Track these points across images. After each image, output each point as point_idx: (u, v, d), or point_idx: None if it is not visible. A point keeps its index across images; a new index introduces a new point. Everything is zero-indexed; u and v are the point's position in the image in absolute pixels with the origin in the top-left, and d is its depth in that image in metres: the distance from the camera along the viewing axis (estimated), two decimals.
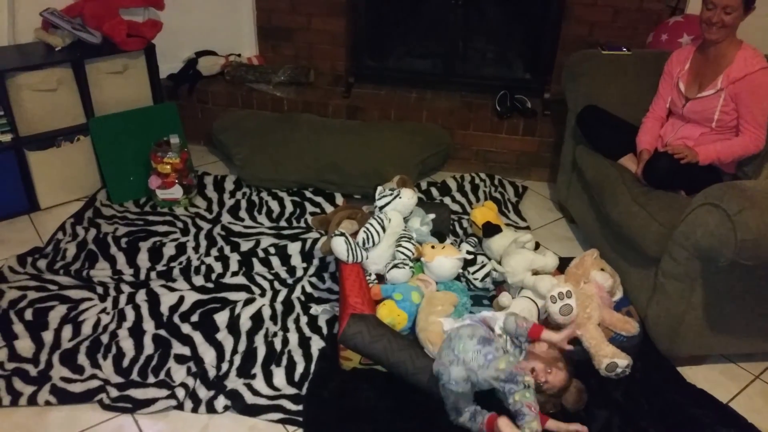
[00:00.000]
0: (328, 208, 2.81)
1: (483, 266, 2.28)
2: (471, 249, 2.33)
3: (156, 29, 2.93)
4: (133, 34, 2.84)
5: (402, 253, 2.18)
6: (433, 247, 2.20)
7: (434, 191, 3.04)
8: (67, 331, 2.09)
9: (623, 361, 1.90)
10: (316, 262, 2.48)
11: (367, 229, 2.14)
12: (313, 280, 2.39)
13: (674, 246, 1.95)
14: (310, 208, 2.85)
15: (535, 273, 2.12)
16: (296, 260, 2.49)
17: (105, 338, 2.07)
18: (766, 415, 1.96)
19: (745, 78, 2.18)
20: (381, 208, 2.25)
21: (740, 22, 2.18)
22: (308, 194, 2.94)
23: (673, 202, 2.14)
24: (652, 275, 2.09)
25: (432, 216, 2.39)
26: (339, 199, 2.91)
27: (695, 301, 1.95)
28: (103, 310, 2.19)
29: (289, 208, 2.84)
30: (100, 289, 2.29)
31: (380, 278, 2.19)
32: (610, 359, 1.89)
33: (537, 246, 2.35)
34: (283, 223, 2.74)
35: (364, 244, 2.14)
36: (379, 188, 2.29)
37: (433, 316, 1.95)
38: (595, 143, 2.55)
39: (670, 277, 1.98)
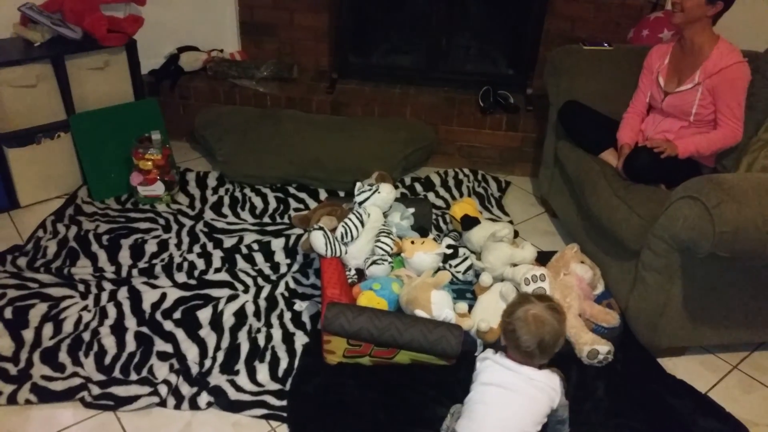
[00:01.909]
0: (312, 204, 2.81)
1: (465, 259, 2.29)
2: (452, 242, 2.34)
3: (137, 25, 2.91)
4: (114, 30, 2.82)
5: (381, 248, 2.19)
6: (413, 242, 2.22)
7: (418, 187, 3.05)
8: (48, 329, 2.07)
9: (604, 347, 1.92)
10: (299, 258, 2.48)
11: (346, 223, 2.15)
12: (297, 276, 2.39)
13: (654, 239, 1.97)
14: (293, 204, 2.84)
15: (514, 266, 2.14)
16: (280, 256, 2.48)
17: (86, 336, 2.06)
18: (743, 404, 1.99)
19: (721, 72, 2.21)
20: (360, 203, 2.25)
21: (711, 15, 2.20)
22: (292, 190, 2.93)
23: (653, 195, 2.17)
24: (632, 268, 2.11)
25: (412, 210, 2.40)
26: (323, 195, 2.91)
27: (675, 293, 1.97)
28: (85, 308, 2.18)
29: (273, 204, 2.83)
30: (81, 287, 2.27)
31: (360, 273, 2.20)
32: (591, 346, 1.92)
33: (516, 234, 2.36)
34: (266, 220, 2.73)
35: (342, 238, 2.15)
36: (358, 184, 2.30)
37: (420, 283, 1.98)
38: (577, 138, 2.57)
39: (650, 270, 2.00)
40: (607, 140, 2.47)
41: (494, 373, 1.59)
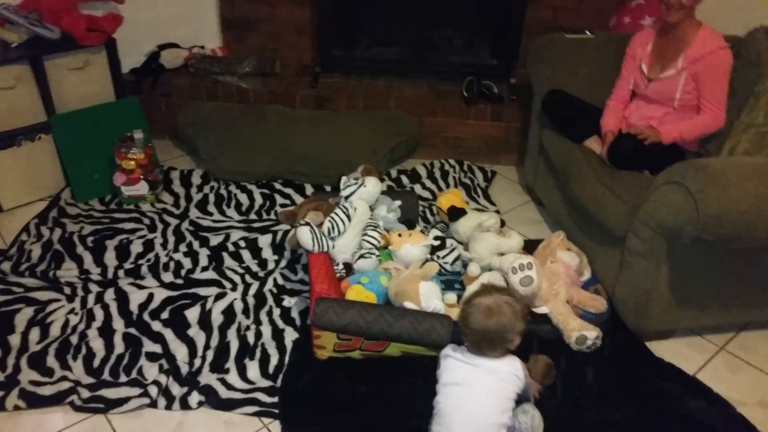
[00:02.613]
0: (298, 200, 2.80)
1: (453, 250, 2.30)
2: (440, 234, 2.34)
3: (116, 23, 2.87)
4: (93, 29, 2.78)
5: (368, 242, 2.19)
6: (400, 235, 2.22)
7: (404, 179, 3.05)
8: (35, 333, 2.06)
9: (592, 332, 1.94)
10: (287, 254, 2.47)
11: (332, 218, 2.15)
12: (285, 272, 2.39)
13: (639, 224, 1.98)
14: (279, 200, 2.83)
15: (502, 255, 2.14)
16: (267, 253, 2.47)
17: (74, 339, 2.04)
18: (731, 384, 2.01)
19: (704, 58, 2.22)
20: (346, 197, 2.25)
21: (699, 4, 2.21)
22: (278, 186, 2.92)
23: (637, 181, 2.18)
24: (618, 254, 2.12)
25: (398, 203, 2.39)
26: (309, 190, 2.90)
27: (661, 278, 1.99)
28: (72, 311, 2.16)
29: (259, 200, 2.82)
30: (67, 290, 2.26)
31: (348, 268, 2.19)
32: (579, 332, 1.93)
33: (503, 224, 2.37)
34: (252, 216, 2.72)
35: (329, 232, 2.14)
36: (344, 178, 2.29)
37: (408, 275, 1.99)
38: (561, 126, 2.57)
39: (636, 255, 2.01)
40: (590, 128, 2.48)
41: (455, 371, 1.61)
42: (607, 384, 1.93)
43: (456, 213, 2.40)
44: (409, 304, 1.96)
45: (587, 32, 2.74)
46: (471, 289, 2.11)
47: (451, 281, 2.27)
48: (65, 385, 1.88)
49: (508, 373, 1.58)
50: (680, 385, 1.96)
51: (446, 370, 1.63)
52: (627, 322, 2.13)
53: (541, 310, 1.99)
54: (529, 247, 2.31)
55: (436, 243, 2.28)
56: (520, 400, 1.66)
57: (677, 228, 1.83)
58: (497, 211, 2.84)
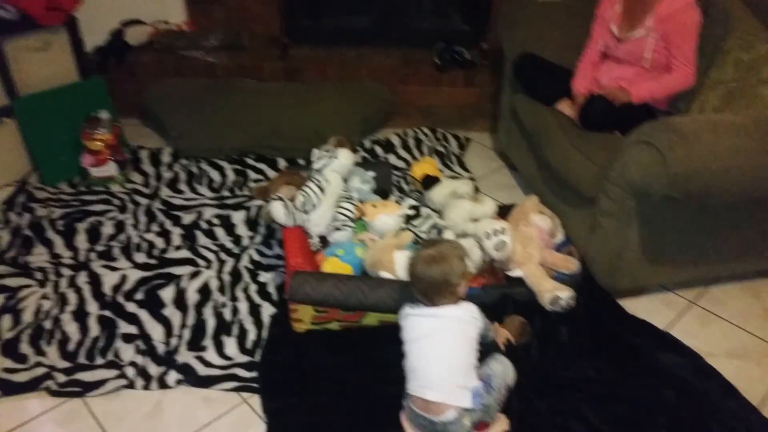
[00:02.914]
0: (271, 175, 2.77)
1: (427, 218, 2.29)
2: (414, 203, 2.34)
3: (76, 1, 2.79)
4: (52, 7, 2.70)
5: (342, 214, 2.18)
6: (374, 205, 2.21)
7: (378, 149, 3.03)
8: (7, 320, 2.04)
9: (565, 292, 1.96)
10: (262, 229, 2.46)
11: (305, 191, 2.13)
12: (260, 247, 2.37)
13: (610, 185, 1.99)
14: (252, 175, 2.80)
15: (476, 221, 2.15)
16: (241, 229, 2.46)
17: (48, 324, 2.02)
18: (702, 338, 2.05)
19: (672, 16, 2.21)
20: (319, 170, 2.23)
21: None
22: (250, 161, 2.88)
23: (608, 142, 2.18)
24: (590, 215, 2.13)
25: (372, 174, 2.38)
26: (282, 165, 2.87)
27: (632, 236, 2.01)
28: (44, 296, 2.14)
29: (231, 176, 2.79)
30: (39, 275, 2.23)
31: (323, 240, 2.19)
32: (552, 293, 1.95)
33: (477, 190, 2.38)
34: (225, 193, 2.69)
35: (303, 206, 2.13)
36: (316, 151, 2.27)
37: (383, 245, 2.00)
38: (532, 90, 2.56)
39: (607, 216, 2.03)
40: (561, 91, 2.47)
41: (417, 325, 1.66)
42: (580, 342, 1.95)
43: (430, 181, 2.39)
44: (385, 274, 1.97)
45: None
46: None
47: None
48: (40, 371, 1.87)
49: (465, 316, 1.65)
50: (652, 340, 1.99)
51: (407, 327, 1.68)
52: (599, 281, 2.15)
53: (516, 273, 2.00)
54: (504, 212, 2.32)
55: (411, 212, 2.28)
56: (489, 349, 1.72)
57: (647, 187, 1.84)
58: (471, 178, 2.84)
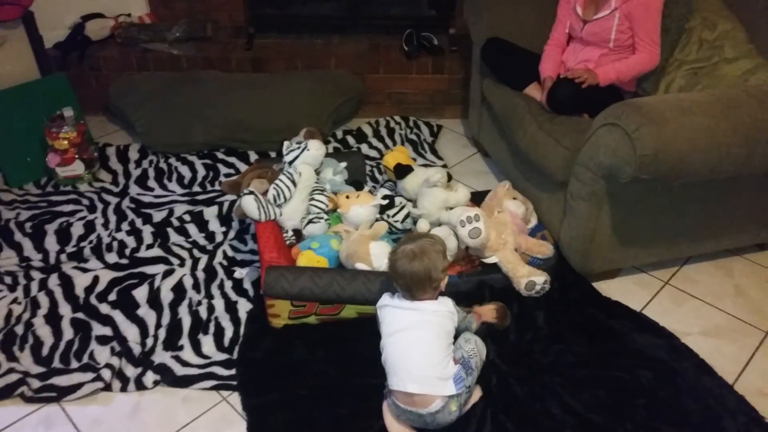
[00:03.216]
0: (243, 168, 2.74)
1: (402, 207, 2.29)
2: (388, 193, 2.33)
3: None
4: (7, 2, 2.62)
5: (316, 206, 2.16)
6: (348, 197, 2.20)
7: (350, 139, 3.01)
8: None
9: (540, 278, 1.98)
10: (235, 225, 2.43)
11: (277, 184, 2.11)
12: (235, 243, 2.35)
13: (579, 168, 2.00)
14: (223, 169, 2.77)
15: (450, 209, 2.15)
16: (214, 225, 2.43)
17: (19, 329, 1.99)
18: (676, 316, 2.09)
19: None
20: (290, 163, 2.21)
21: None
22: (220, 155, 2.85)
23: (576, 126, 2.20)
24: (562, 199, 2.15)
25: (344, 164, 2.37)
26: (253, 158, 2.84)
27: (603, 219, 2.03)
28: (14, 301, 2.10)
29: (201, 171, 2.75)
30: (8, 279, 2.18)
31: (297, 234, 2.17)
32: (528, 278, 1.97)
33: (450, 178, 2.38)
34: (196, 188, 2.66)
35: (275, 200, 2.11)
36: (286, 143, 2.25)
37: (358, 237, 2.00)
38: (500, 75, 2.56)
39: (578, 199, 2.04)
40: (530, 75, 2.47)
41: (395, 318, 1.68)
42: (557, 326, 1.98)
43: (402, 170, 2.38)
44: (361, 265, 1.97)
45: None
46: None
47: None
48: (13, 377, 1.83)
49: (442, 310, 1.68)
50: (627, 321, 2.02)
51: (386, 320, 1.70)
52: (573, 265, 2.17)
53: (491, 259, 2.02)
54: (477, 198, 2.33)
55: (385, 202, 2.27)
56: (457, 333, 1.75)
57: (615, 169, 1.86)
58: (444, 165, 2.84)
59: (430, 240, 1.69)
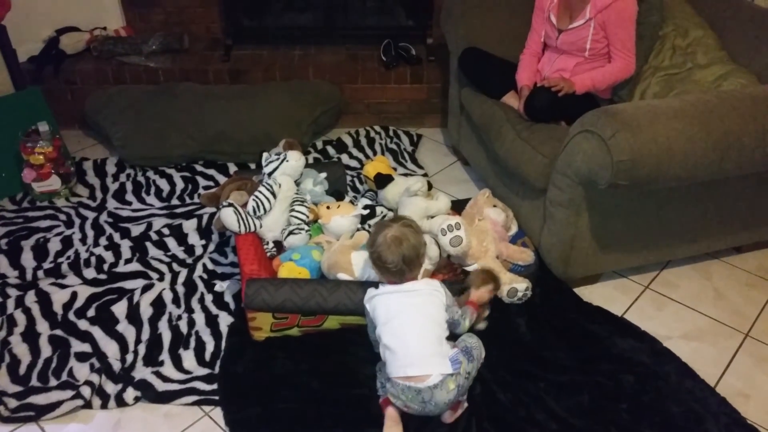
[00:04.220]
0: (222, 180, 2.72)
1: (383, 217, 2.29)
2: (369, 203, 2.33)
3: (4, 9, 2.67)
4: None
5: (296, 217, 2.16)
6: (328, 207, 2.19)
7: (331, 150, 3.01)
8: None
9: (522, 284, 1.99)
10: (215, 237, 2.41)
11: (256, 196, 2.10)
12: (215, 256, 2.33)
13: (557, 175, 2.02)
14: (202, 182, 2.75)
15: (431, 218, 2.16)
16: (194, 238, 2.41)
17: None
18: (656, 321, 2.11)
19: (610, 6, 2.26)
20: (269, 174, 2.20)
21: None
22: (199, 168, 2.83)
23: (554, 133, 2.22)
24: (541, 206, 2.17)
25: (324, 175, 2.36)
26: (233, 170, 2.82)
27: (582, 225, 2.05)
28: None
29: (180, 184, 2.73)
30: None
31: (278, 245, 2.16)
32: (509, 285, 1.98)
33: (430, 186, 2.39)
34: (175, 201, 2.63)
35: (255, 212, 2.10)
36: (265, 154, 2.24)
37: (339, 247, 2.01)
38: (478, 84, 2.58)
39: (557, 205, 2.06)
40: (507, 84, 2.49)
41: (388, 306, 1.71)
42: (539, 332, 1.99)
43: (383, 180, 2.39)
44: (343, 276, 1.96)
45: None
46: None
47: None
48: None
49: (430, 288, 1.72)
50: (609, 326, 2.03)
51: (378, 309, 1.72)
52: (554, 271, 2.19)
53: (473, 267, 2.02)
54: (458, 206, 2.34)
55: (366, 212, 2.27)
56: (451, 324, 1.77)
57: (593, 175, 1.88)
58: (425, 174, 2.85)
59: (402, 221, 1.74)
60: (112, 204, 2.62)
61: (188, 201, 2.64)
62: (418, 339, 1.65)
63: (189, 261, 2.30)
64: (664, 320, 2.12)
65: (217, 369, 1.90)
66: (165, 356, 1.93)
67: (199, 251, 2.35)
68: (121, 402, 1.81)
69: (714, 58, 2.29)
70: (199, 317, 2.06)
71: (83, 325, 2.04)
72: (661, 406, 1.77)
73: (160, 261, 2.29)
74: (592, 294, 2.20)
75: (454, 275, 2.07)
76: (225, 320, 2.06)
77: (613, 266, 2.24)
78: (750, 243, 2.39)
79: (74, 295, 2.13)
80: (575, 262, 2.13)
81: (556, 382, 1.83)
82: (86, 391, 1.80)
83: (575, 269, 2.15)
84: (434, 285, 1.73)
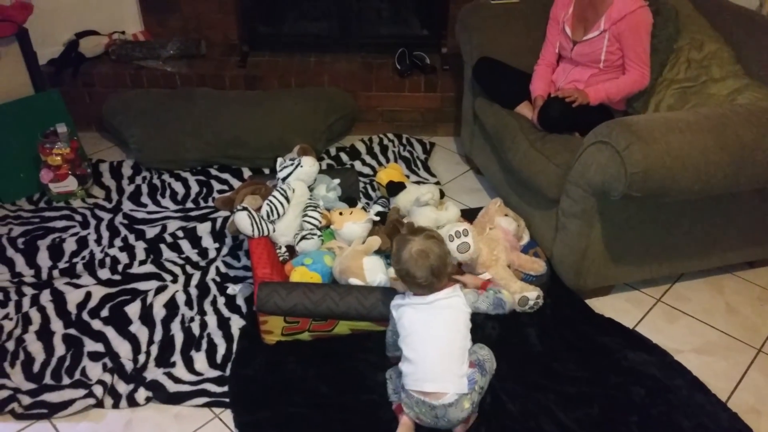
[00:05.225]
0: (236, 185, 2.75)
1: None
2: (381, 209, 2.35)
3: (26, 12, 2.72)
4: (1, 19, 2.63)
5: (309, 222, 2.17)
6: (341, 213, 2.21)
7: (344, 156, 3.03)
8: None
9: (533, 293, 1.99)
10: (228, 241, 2.43)
11: (270, 201, 2.12)
12: (228, 259, 2.35)
13: (570, 186, 2.03)
14: (216, 186, 2.77)
15: (441, 227, 2.16)
16: (207, 241, 2.43)
17: (11, 345, 1.97)
18: (667, 334, 2.10)
19: (625, 18, 2.26)
20: (283, 179, 2.22)
21: None
22: (213, 172, 2.85)
23: (567, 144, 2.22)
24: (554, 216, 2.17)
25: (337, 181, 2.38)
26: (247, 174, 2.84)
27: (595, 236, 2.05)
28: (6, 317, 2.08)
29: (195, 188, 2.76)
30: (0, 295, 2.16)
31: (291, 250, 2.18)
32: (520, 294, 1.98)
33: (443, 195, 2.39)
34: (189, 205, 2.66)
35: (268, 216, 2.11)
36: (280, 159, 2.26)
37: (351, 252, 2.01)
38: (492, 94, 2.59)
39: (570, 216, 2.06)
40: (521, 94, 2.50)
41: (413, 318, 1.69)
42: (550, 343, 1.99)
43: (395, 188, 2.40)
44: (354, 281, 1.97)
45: None
46: None
47: None
48: (4, 394, 1.81)
49: (455, 298, 1.70)
50: (620, 338, 2.03)
51: (403, 318, 1.70)
52: (566, 282, 2.19)
53: (484, 275, 2.02)
54: (470, 215, 2.34)
55: (377, 219, 2.28)
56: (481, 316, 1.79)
57: (606, 186, 1.88)
58: (437, 183, 2.86)
59: (423, 233, 1.70)
60: (127, 206, 2.65)
61: (203, 204, 2.66)
62: (440, 355, 1.65)
63: (202, 264, 2.32)
64: (676, 334, 2.11)
65: (228, 371, 1.91)
66: (177, 357, 1.95)
67: (212, 254, 2.37)
68: (132, 402, 1.82)
69: (729, 72, 2.28)
70: (212, 320, 2.08)
71: (97, 324, 2.06)
72: (671, 419, 1.77)
73: (174, 263, 2.31)
74: (604, 306, 2.20)
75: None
76: (237, 323, 2.08)
77: (625, 278, 2.24)
78: (763, 258, 2.37)
79: (88, 295, 2.15)
80: (587, 273, 2.12)
81: (566, 394, 1.83)
82: (98, 390, 1.82)
83: (587, 280, 2.15)
84: (457, 292, 1.72)
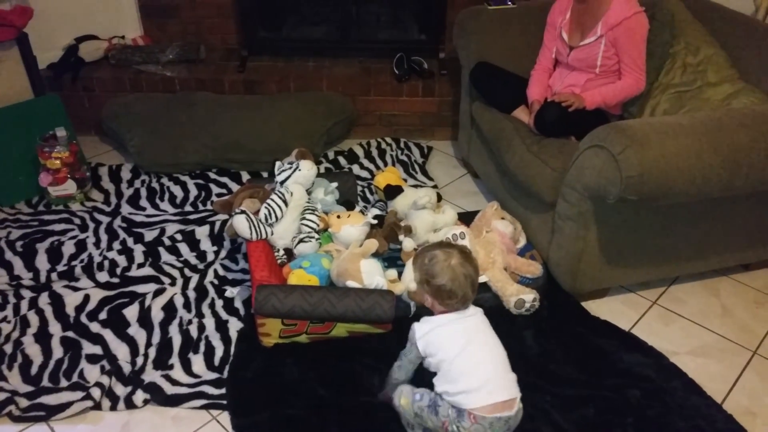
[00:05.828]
0: (235, 188, 2.76)
1: None
2: (379, 213, 2.35)
3: (26, 17, 2.73)
4: (1, 24, 2.64)
5: (307, 225, 2.18)
6: (339, 216, 2.22)
7: (342, 160, 3.04)
8: None
9: (529, 295, 2.00)
10: (227, 244, 2.44)
11: (269, 204, 2.13)
12: (226, 262, 2.36)
13: (566, 189, 2.04)
14: (215, 189, 2.78)
15: (438, 230, 2.18)
16: (206, 244, 2.44)
17: (8, 348, 1.98)
18: (663, 336, 2.11)
19: (621, 23, 2.28)
20: (282, 182, 2.23)
21: None
22: (212, 175, 2.87)
23: (564, 148, 2.24)
24: (550, 219, 2.18)
25: (335, 184, 2.39)
26: (245, 178, 2.86)
27: (591, 239, 2.06)
28: (4, 319, 2.09)
29: (194, 191, 2.77)
30: None
31: (289, 253, 2.19)
32: (517, 296, 1.99)
33: (440, 198, 2.41)
34: (188, 208, 2.67)
35: (266, 219, 2.12)
36: (278, 163, 2.27)
37: (349, 255, 2.02)
38: (489, 98, 2.61)
39: (566, 219, 2.07)
40: (518, 98, 2.52)
41: (454, 337, 1.59)
42: (546, 345, 1.99)
43: (392, 191, 2.41)
44: (351, 283, 1.98)
45: (509, 2, 2.77)
46: (411, 264, 2.12)
47: (394, 258, 2.28)
48: (1, 396, 1.81)
49: (481, 312, 1.67)
50: (616, 340, 2.04)
51: (440, 340, 1.60)
52: (562, 285, 2.20)
53: (480, 279, 2.03)
54: (467, 219, 2.36)
55: (375, 222, 2.29)
56: None
57: (602, 190, 1.89)
58: (435, 186, 2.87)
59: (457, 249, 1.64)
60: (126, 209, 2.66)
61: (201, 208, 2.67)
62: (500, 362, 1.60)
63: (201, 267, 2.33)
64: (672, 336, 2.12)
65: (225, 374, 1.92)
66: (175, 360, 1.95)
67: (210, 257, 2.38)
68: (130, 404, 1.83)
69: (724, 77, 2.30)
70: (209, 322, 2.09)
71: (95, 327, 2.06)
72: (667, 421, 1.77)
73: (172, 266, 2.32)
74: (600, 308, 2.21)
75: None
76: (234, 326, 2.08)
77: (621, 281, 2.25)
78: (758, 261, 2.39)
79: (87, 298, 2.16)
80: (583, 276, 2.13)
81: (563, 396, 1.83)
82: (96, 392, 1.82)
83: (583, 283, 2.16)
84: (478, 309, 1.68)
